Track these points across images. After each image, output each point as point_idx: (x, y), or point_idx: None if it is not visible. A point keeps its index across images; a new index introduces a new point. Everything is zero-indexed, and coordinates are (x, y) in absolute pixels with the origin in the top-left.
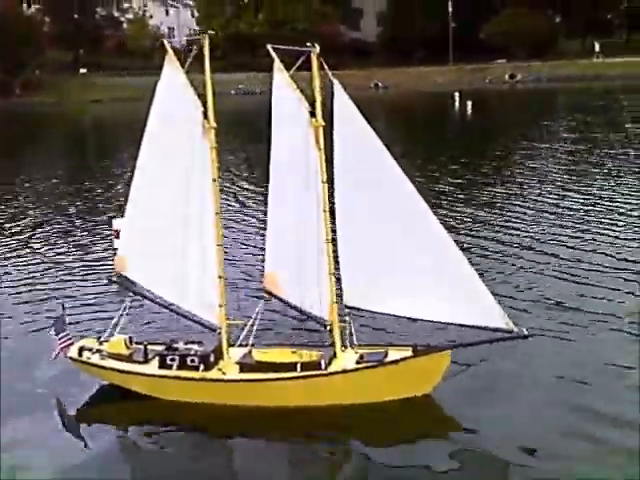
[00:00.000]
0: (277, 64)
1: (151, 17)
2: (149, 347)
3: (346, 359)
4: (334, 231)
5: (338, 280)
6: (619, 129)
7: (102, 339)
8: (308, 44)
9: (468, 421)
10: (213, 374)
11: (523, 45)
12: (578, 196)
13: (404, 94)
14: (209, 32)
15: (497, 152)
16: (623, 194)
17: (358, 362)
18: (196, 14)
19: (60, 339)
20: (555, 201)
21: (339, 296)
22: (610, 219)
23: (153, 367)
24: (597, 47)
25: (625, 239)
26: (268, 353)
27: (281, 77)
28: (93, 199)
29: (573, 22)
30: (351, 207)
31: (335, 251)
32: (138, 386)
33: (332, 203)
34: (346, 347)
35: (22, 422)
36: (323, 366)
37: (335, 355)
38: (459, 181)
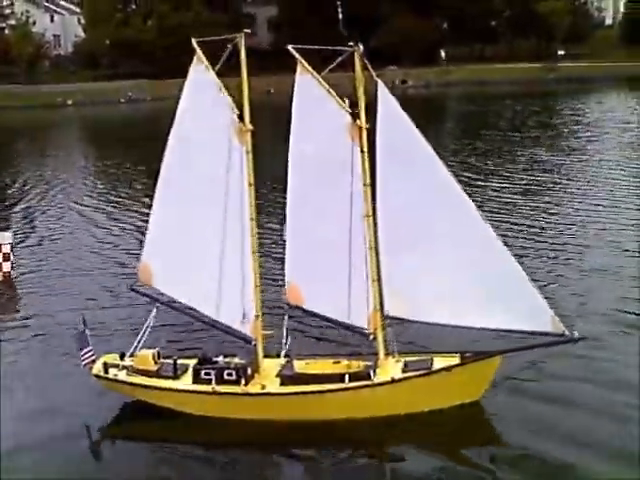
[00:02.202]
0: (302, 65)
1: (34, 23)
2: (178, 361)
3: (391, 368)
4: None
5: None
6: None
7: (128, 354)
8: (350, 43)
9: (517, 429)
10: (255, 388)
11: (412, 52)
12: None
13: None
14: (245, 31)
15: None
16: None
17: (404, 371)
18: (82, 21)
19: (83, 355)
20: None
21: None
22: None
23: (187, 382)
24: (443, 55)
25: None
26: (310, 364)
27: (309, 78)
28: None
29: (460, 29)
30: (394, 212)
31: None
32: (171, 403)
33: (373, 208)
34: (387, 355)
35: (43, 443)
36: (372, 376)
37: (378, 364)
38: None
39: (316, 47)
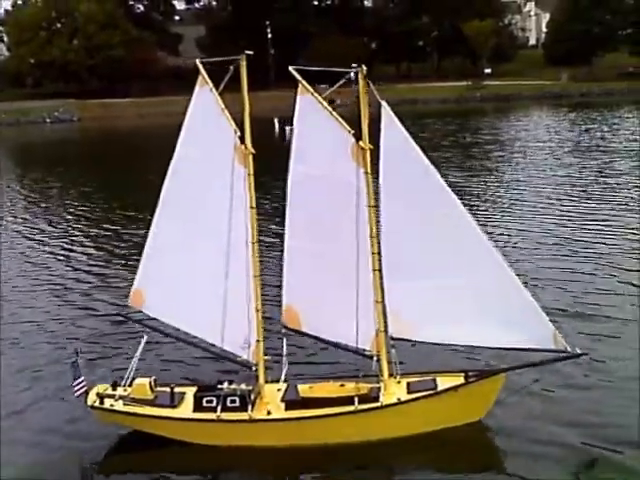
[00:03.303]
0: (302, 86)
1: None
2: (176, 389)
3: (395, 389)
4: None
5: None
6: None
7: (123, 384)
8: (354, 65)
9: (521, 447)
10: (261, 414)
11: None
12: None
13: None
14: (247, 52)
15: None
16: None
17: (409, 392)
18: (6, 39)
19: (76, 385)
20: None
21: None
22: None
23: (187, 410)
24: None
25: None
26: (314, 388)
27: (310, 99)
28: None
29: (388, 48)
30: (398, 234)
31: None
32: (172, 432)
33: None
34: (390, 377)
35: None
36: (381, 398)
37: (383, 386)
38: None
39: (318, 69)
